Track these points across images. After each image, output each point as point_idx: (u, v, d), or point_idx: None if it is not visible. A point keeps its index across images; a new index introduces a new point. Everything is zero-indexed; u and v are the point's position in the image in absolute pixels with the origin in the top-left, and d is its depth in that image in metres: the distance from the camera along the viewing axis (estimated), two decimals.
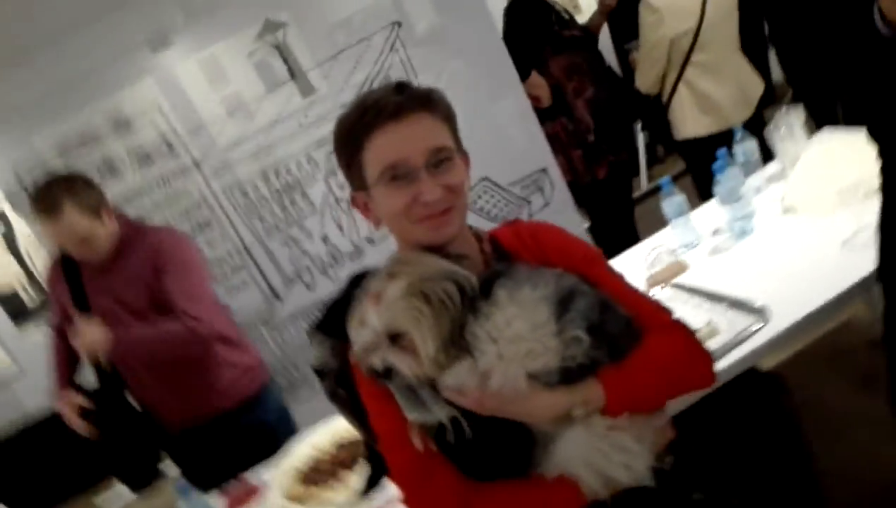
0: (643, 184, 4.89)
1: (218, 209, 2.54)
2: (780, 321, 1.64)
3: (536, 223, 1.22)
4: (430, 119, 1.04)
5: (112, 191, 2.39)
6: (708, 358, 1.09)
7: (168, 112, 2.51)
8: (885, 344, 1.57)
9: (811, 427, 2.13)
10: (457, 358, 1.00)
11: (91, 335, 1.93)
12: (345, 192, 2.61)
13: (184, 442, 2.23)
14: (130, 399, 2.23)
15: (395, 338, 1.00)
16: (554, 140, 3.15)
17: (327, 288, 2.62)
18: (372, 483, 1.27)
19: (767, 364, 2.28)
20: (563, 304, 1.01)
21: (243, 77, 2.54)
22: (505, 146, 2.73)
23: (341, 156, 1.09)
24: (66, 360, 2.20)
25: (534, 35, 3.19)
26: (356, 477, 1.74)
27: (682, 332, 1.10)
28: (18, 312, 3.31)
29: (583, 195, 3.22)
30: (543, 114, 3.11)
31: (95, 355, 1.99)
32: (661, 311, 1.12)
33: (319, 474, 1.84)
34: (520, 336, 0.99)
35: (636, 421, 1.02)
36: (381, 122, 1.02)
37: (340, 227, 2.62)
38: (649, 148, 5.08)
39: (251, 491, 1.98)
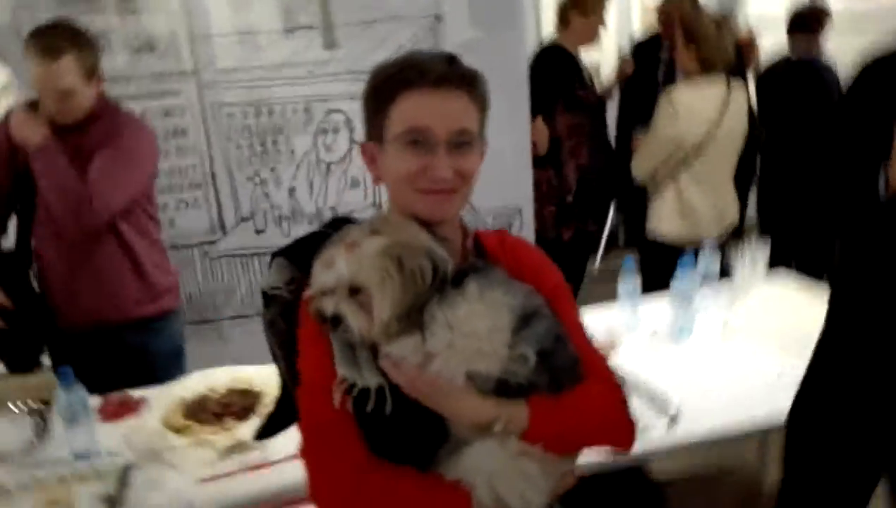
0: (596, 263, 4.99)
1: (199, 121, 2.47)
2: (685, 430, 1.70)
3: (521, 239, 1.23)
4: (467, 99, 1.04)
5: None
6: (633, 423, 1.11)
7: (181, 13, 2.44)
8: (781, 487, 1.63)
9: None
10: (407, 333, 0.99)
11: (32, 125, 1.93)
12: (329, 154, 2.58)
13: (69, 342, 2.14)
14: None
15: (355, 291, 0.99)
16: (535, 188, 3.20)
17: (275, 238, 2.57)
18: (270, 430, 1.23)
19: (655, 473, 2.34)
20: (524, 320, 1.01)
21: (266, 12, 2.50)
22: (493, 173, 2.73)
23: (369, 103, 1.08)
24: None
25: (553, 85, 3.26)
26: (243, 429, 1.69)
27: (619, 392, 1.11)
28: None
29: (542, 249, 3.26)
30: (534, 161, 3.17)
31: (23, 146, 1.96)
32: (606, 366, 1.13)
33: (204, 412, 1.78)
34: (475, 333, 0.99)
35: (547, 456, 1.02)
36: (420, 84, 1.02)
37: (311, 186, 2.58)
38: (613, 234, 5.21)
39: (130, 406, 1.91)
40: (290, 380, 1.10)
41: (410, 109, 1.02)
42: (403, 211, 1.07)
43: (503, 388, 1.00)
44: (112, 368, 2.09)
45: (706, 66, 2.74)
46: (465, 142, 1.04)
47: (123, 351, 2.15)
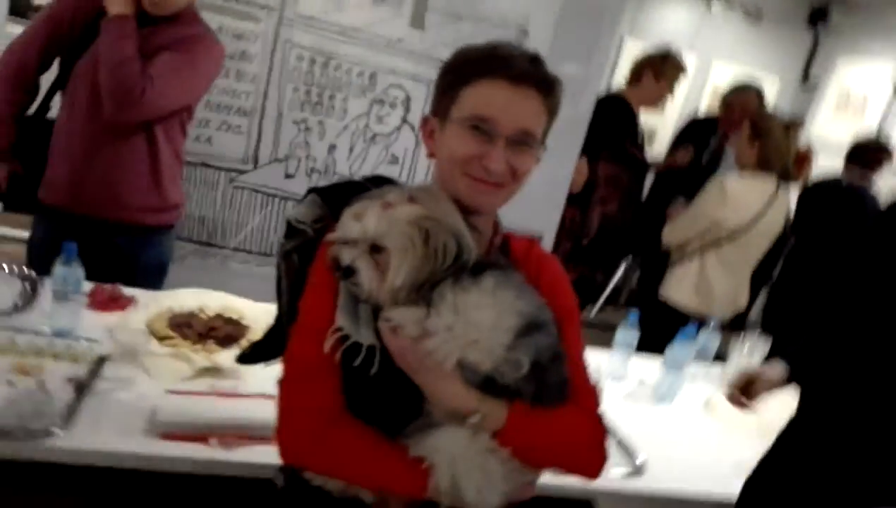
0: (592, 312, 5.00)
1: (268, 53, 2.47)
2: (646, 483, 1.71)
3: (549, 255, 1.24)
4: (539, 102, 1.05)
5: None
6: (604, 456, 1.11)
7: None
8: None
9: None
10: (413, 304, 1.01)
11: None
12: (380, 126, 2.60)
13: (60, 220, 2.07)
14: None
15: (376, 249, 1.00)
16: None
17: (301, 186, 2.57)
18: (252, 358, 1.24)
19: None
20: (528, 328, 1.02)
21: None
22: (529, 194, 2.74)
23: (444, 79, 1.10)
24: (18, 90, 2.03)
25: (606, 133, 3.28)
26: (223, 355, 1.70)
27: (599, 424, 1.12)
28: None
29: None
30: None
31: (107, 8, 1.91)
32: (594, 397, 1.14)
33: (189, 329, 1.78)
34: (478, 324, 1.00)
35: (512, 462, 1.03)
36: (499, 76, 1.03)
37: (351, 150, 2.59)
38: (616, 290, 5.22)
39: (119, 302, 1.91)
40: (286, 315, 1.12)
41: (482, 97, 1.04)
42: (446, 190, 1.08)
43: (489, 385, 1.01)
44: (92, 263, 1.96)
45: (764, 165, 2.80)
46: (526, 143, 1.06)
47: (110, 252, 2.10)
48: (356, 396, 1.03)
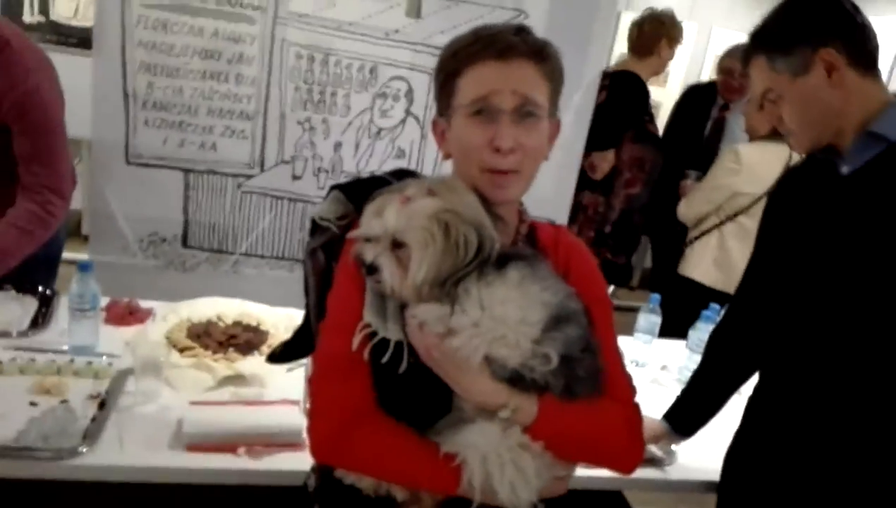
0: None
1: (266, 54, 2.44)
2: (677, 472, 1.68)
3: (578, 242, 1.21)
4: (533, 70, 1.03)
5: None
6: (640, 450, 1.09)
7: None
8: None
9: None
10: (437, 300, 0.98)
11: None
12: (384, 120, 2.56)
13: None
14: None
15: (397, 245, 0.98)
16: (582, 211, 3.17)
17: (310, 187, 2.55)
18: (283, 357, 1.22)
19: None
20: (556, 320, 1.00)
21: None
22: (535, 185, 2.71)
23: (439, 77, 1.09)
24: None
25: (627, 114, 3.21)
26: (244, 362, 1.68)
27: (634, 415, 1.10)
28: None
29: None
30: (589, 183, 3.13)
31: None
32: (629, 388, 1.12)
33: (209, 338, 1.77)
34: (504, 319, 0.98)
35: (545, 457, 1.01)
36: (486, 55, 1.02)
37: (357, 147, 2.56)
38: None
39: (136, 315, 1.91)
40: (315, 312, 1.11)
41: (476, 80, 1.02)
42: (466, 185, 1.06)
43: (516, 380, 0.99)
44: None
45: (777, 133, 2.73)
46: (531, 113, 1.03)
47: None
48: (386, 392, 1.01)
